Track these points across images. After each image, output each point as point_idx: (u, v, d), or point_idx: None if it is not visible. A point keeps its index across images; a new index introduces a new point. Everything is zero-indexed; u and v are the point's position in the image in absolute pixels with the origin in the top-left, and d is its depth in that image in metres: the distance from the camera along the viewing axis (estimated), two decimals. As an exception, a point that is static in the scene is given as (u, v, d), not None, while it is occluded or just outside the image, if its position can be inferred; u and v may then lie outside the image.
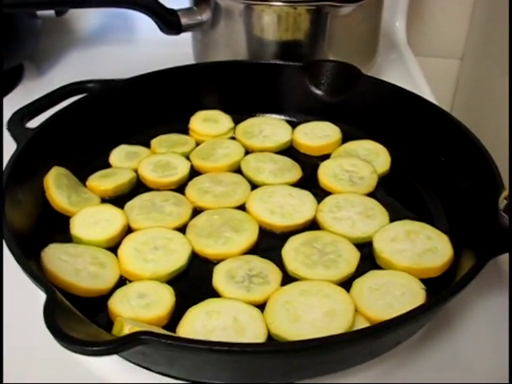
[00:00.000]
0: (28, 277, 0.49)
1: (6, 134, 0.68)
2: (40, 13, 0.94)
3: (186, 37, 0.98)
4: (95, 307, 0.55)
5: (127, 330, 0.46)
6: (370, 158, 0.76)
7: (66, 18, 1.17)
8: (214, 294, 0.57)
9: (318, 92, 0.83)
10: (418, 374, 0.53)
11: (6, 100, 0.94)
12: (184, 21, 0.90)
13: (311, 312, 0.53)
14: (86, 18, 1.19)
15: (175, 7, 0.90)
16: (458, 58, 1.33)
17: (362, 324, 0.53)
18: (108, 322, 0.54)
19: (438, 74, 1.29)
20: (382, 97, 0.79)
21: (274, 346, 0.46)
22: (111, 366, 0.53)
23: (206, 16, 0.91)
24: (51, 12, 0.93)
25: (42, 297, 0.46)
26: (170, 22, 0.89)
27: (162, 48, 0.99)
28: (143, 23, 1.07)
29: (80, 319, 0.48)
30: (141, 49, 1.13)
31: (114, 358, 0.50)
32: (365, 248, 0.63)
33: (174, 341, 0.41)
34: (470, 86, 1.30)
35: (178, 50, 0.96)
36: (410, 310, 0.46)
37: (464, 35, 1.29)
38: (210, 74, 0.84)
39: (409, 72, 1.06)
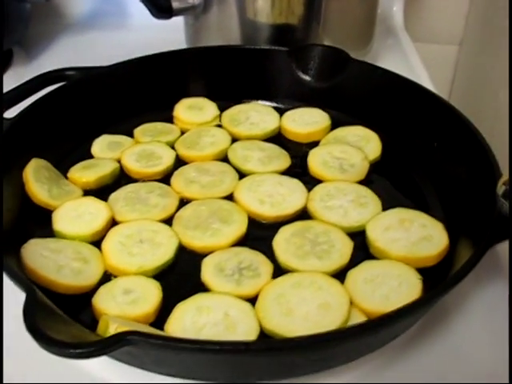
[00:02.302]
0: (6, 275, 0.46)
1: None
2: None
3: (179, 22, 0.95)
4: (79, 305, 0.53)
5: (113, 329, 0.44)
6: (360, 145, 0.74)
7: (56, 3, 1.15)
8: (203, 288, 0.55)
9: (306, 77, 0.80)
10: (416, 367, 0.51)
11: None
12: (175, 4, 0.88)
13: (304, 305, 0.51)
14: (77, 3, 1.16)
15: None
16: (457, 44, 1.32)
17: (357, 317, 0.51)
18: (93, 321, 0.51)
19: (436, 60, 1.26)
20: (371, 81, 0.77)
21: (266, 343, 0.44)
22: (104, 364, 0.50)
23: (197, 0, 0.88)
24: (40, -4, 0.91)
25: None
26: (160, 6, 0.87)
27: (154, 33, 0.97)
28: (135, 8, 1.09)
29: (63, 319, 0.46)
30: (132, 34, 1.11)
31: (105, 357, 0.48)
32: (357, 237, 0.61)
33: (163, 341, 0.39)
34: (469, 73, 1.28)
35: (171, 36, 0.94)
36: (409, 303, 0.44)
37: (463, 20, 1.27)
38: (193, 61, 0.81)
39: (406, 58, 1.04)
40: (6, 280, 0.52)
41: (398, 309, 0.44)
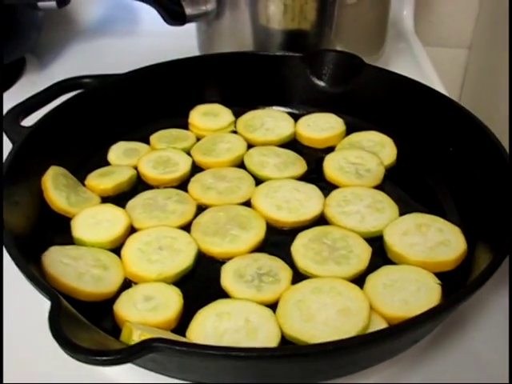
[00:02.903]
0: (30, 283, 0.47)
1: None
2: (41, 4, 0.91)
3: (191, 28, 0.96)
4: (100, 312, 0.53)
5: (137, 336, 0.44)
6: (375, 150, 0.74)
7: (68, 10, 1.15)
8: (223, 294, 0.55)
9: (320, 83, 0.80)
10: (435, 372, 0.52)
11: (7, 94, 0.92)
12: (188, 11, 0.88)
13: (324, 311, 0.51)
14: (89, 10, 1.17)
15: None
16: (466, 48, 1.31)
17: (377, 322, 0.51)
18: (114, 327, 0.52)
19: (445, 63, 1.27)
20: (385, 86, 0.77)
21: (291, 350, 0.44)
22: (124, 370, 0.50)
23: (210, 6, 0.88)
24: (52, 3, 0.91)
25: (43, 300, 0.44)
26: (174, 13, 0.87)
27: (166, 40, 0.97)
28: (147, 14, 1.08)
29: (86, 326, 0.46)
30: (145, 41, 1.11)
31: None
32: (375, 242, 0.61)
33: (188, 347, 0.40)
34: (479, 76, 1.28)
35: (183, 42, 0.94)
36: (431, 309, 0.44)
37: (472, 24, 1.27)
38: (208, 67, 0.82)
39: (417, 62, 1.04)
40: (9, 284, 0.53)
41: (420, 314, 0.44)
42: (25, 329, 0.56)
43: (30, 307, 0.56)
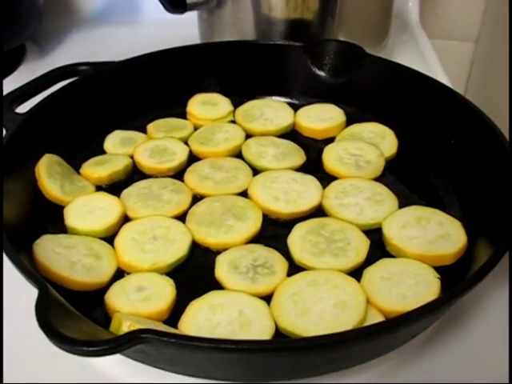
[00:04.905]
0: (19, 271, 0.46)
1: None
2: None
3: (192, 17, 0.94)
4: (91, 302, 0.52)
5: (126, 327, 0.43)
6: (375, 141, 0.73)
7: (69, -2, 1.14)
8: (217, 285, 0.54)
9: (321, 73, 0.79)
10: (432, 368, 0.50)
11: (7, 81, 0.91)
12: (189, -1, 0.87)
13: (320, 304, 0.50)
14: (90, -2, 1.15)
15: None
16: (473, 41, 1.30)
17: (373, 316, 0.50)
18: (106, 318, 0.51)
19: (451, 57, 1.25)
20: (387, 77, 0.76)
21: (282, 343, 0.42)
22: (115, 363, 0.50)
23: (211, -6, 0.87)
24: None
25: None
26: (174, 1, 0.85)
27: (167, 29, 0.96)
28: (148, 3, 1.08)
29: (75, 316, 0.45)
30: (145, 30, 1.10)
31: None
32: (373, 235, 0.60)
33: (177, 339, 0.38)
34: (485, 70, 1.26)
35: (184, 31, 0.93)
36: (429, 303, 0.43)
37: (479, 17, 1.25)
38: (207, 56, 0.80)
39: (422, 54, 1.02)
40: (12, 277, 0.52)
41: (417, 309, 0.42)
42: (15, 319, 0.55)
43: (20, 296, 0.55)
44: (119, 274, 0.56)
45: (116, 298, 0.51)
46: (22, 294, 0.52)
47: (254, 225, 0.60)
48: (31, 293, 0.49)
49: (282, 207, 0.62)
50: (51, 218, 0.62)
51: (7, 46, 0.93)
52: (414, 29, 1.12)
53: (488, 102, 1.12)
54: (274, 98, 0.82)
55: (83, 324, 0.45)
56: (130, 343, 0.38)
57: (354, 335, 0.40)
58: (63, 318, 0.42)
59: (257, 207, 0.62)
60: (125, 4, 1.14)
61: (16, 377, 0.49)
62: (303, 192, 0.64)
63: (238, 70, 0.81)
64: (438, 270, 0.54)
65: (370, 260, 0.56)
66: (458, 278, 0.53)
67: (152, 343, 0.39)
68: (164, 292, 0.52)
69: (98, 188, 0.66)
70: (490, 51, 1.25)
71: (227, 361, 0.41)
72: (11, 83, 0.83)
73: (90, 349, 0.38)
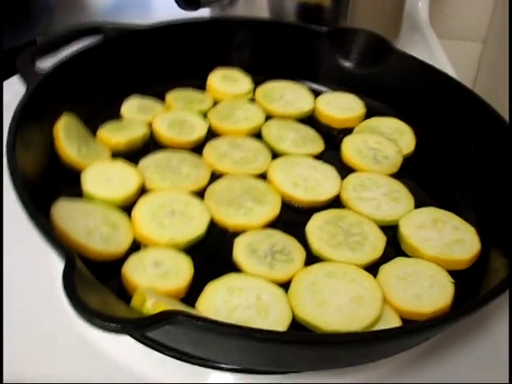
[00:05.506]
0: (43, 237, 0.44)
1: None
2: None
3: (205, 14, 0.93)
4: (106, 272, 0.51)
5: (150, 304, 0.43)
6: (394, 137, 0.72)
7: (81, -6, 1.11)
8: (233, 267, 0.54)
9: (346, 63, 0.79)
10: (436, 370, 0.51)
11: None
12: (203, -5, 0.85)
13: (337, 297, 0.50)
14: (101, -6, 1.12)
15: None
16: (481, 41, 1.30)
17: (388, 313, 0.51)
18: (119, 288, 0.50)
19: (459, 56, 1.26)
20: (412, 74, 0.75)
21: (319, 337, 0.42)
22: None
23: (225, -10, 0.86)
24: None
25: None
26: None
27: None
28: (159, 0, 1.05)
29: (98, 288, 0.44)
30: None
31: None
32: (389, 231, 0.60)
33: (210, 324, 0.38)
34: (492, 69, 1.27)
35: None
36: (453, 312, 0.44)
37: (488, 18, 1.26)
38: (233, 31, 0.79)
39: (432, 54, 1.03)
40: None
41: (441, 315, 0.43)
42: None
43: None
44: (135, 246, 0.55)
45: (134, 272, 0.50)
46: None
47: (272, 209, 0.59)
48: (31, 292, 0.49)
49: (301, 194, 0.62)
50: (65, 180, 0.60)
51: (19, 41, 0.91)
52: (424, 29, 1.13)
53: (495, 102, 1.13)
54: (295, 81, 0.80)
55: (106, 297, 0.44)
56: (161, 323, 0.38)
57: (382, 335, 0.40)
58: (88, 290, 0.41)
59: (276, 192, 0.62)
60: (135, 1, 1.12)
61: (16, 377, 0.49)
62: (322, 181, 0.64)
63: (263, 48, 0.80)
64: (451, 273, 0.55)
65: (385, 257, 0.56)
66: (470, 283, 0.54)
67: (182, 325, 0.38)
68: (182, 269, 0.51)
69: (114, 154, 0.65)
70: (497, 51, 1.25)
71: (255, 349, 0.41)
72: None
73: (120, 325, 0.37)
